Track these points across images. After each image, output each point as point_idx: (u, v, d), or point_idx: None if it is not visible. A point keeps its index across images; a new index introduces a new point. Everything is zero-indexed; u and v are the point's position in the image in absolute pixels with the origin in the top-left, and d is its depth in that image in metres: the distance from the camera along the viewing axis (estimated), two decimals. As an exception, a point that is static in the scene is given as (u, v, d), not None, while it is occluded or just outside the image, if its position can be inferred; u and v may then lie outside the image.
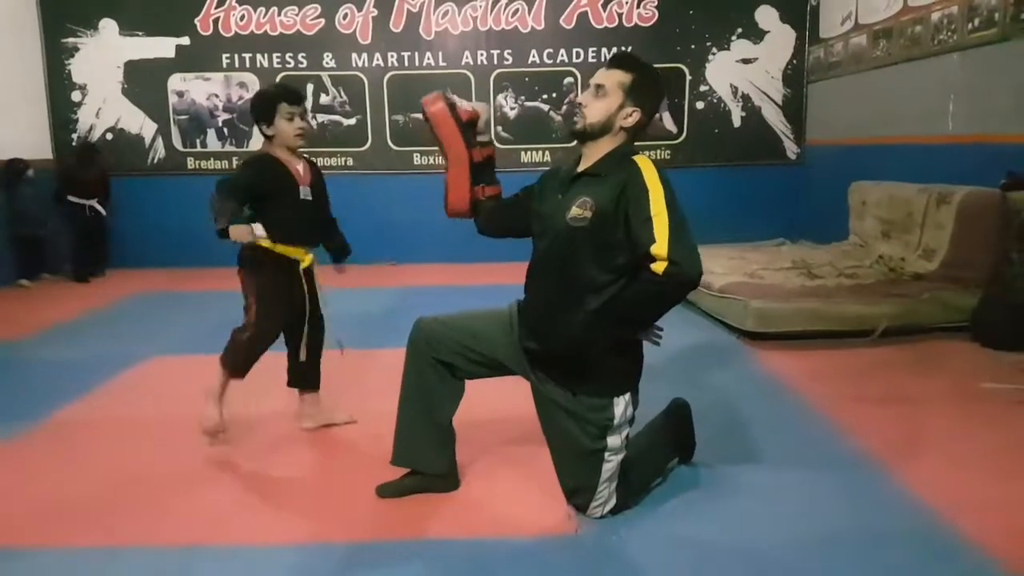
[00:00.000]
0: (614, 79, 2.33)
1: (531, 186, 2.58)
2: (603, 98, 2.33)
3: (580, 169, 2.38)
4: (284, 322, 3.10)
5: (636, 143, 2.42)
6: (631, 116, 2.33)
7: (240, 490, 2.69)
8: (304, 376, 3.25)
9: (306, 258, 3.09)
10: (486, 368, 2.51)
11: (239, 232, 2.87)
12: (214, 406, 3.01)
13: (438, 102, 2.56)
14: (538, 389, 2.42)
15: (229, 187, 2.93)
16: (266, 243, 2.98)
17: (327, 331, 3.20)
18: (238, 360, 3.01)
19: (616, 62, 2.37)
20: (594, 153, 2.37)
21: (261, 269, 3.03)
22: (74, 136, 7.54)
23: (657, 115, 7.47)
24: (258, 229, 2.98)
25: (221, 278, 6.45)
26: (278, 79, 7.46)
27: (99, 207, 7.17)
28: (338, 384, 3.48)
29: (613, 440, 2.34)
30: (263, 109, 3.03)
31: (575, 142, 2.43)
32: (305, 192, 3.09)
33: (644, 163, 2.26)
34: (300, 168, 3.11)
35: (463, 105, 2.59)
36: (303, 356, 3.18)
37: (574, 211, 2.27)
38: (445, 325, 2.50)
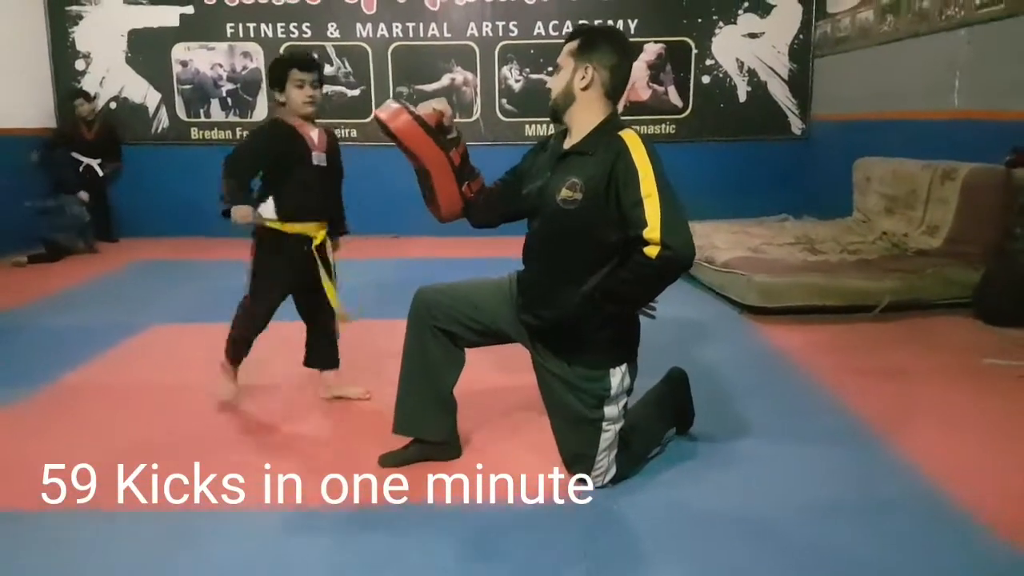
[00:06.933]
0: (565, 52, 2.38)
1: (517, 167, 2.58)
2: (559, 72, 2.38)
3: (567, 147, 2.38)
4: (295, 303, 3.13)
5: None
6: (585, 76, 2.32)
7: (245, 457, 2.72)
8: (319, 356, 3.24)
9: (318, 235, 3.05)
10: (487, 337, 2.53)
11: (241, 213, 2.87)
12: (227, 382, 3.12)
13: (401, 115, 2.39)
14: (537, 359, 2.45)
15: (235, 160, 2.92)
16: (274, 224, 2.97)
17: (337, 309, 3.16)
18: (228, 347, 3.10)
19: (566, 38, 2.41)
20: (578, 129, 2.37)
21: (266, 247, 3.02)
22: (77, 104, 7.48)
23: (662, 88, 7.51)
24: (265, 211, 2.96)
25: (224, 247, 6.49)
26: (282, 49, 7.41)
27: (97, 168, 7.10)
28: (346, 354, 3.48)
29: (610, 410, 2.36)
30: (275, 74, 3.00)
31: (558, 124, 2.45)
32: (319, 158, 3.04)
33: (631, 139, 2.24)
34: (314, 134, 3.05)
35: (423, 109, 2.43)
36: (318, 334, 3.20)
37: (564, 192, 2.27)
38: (445, 294, 2.51)
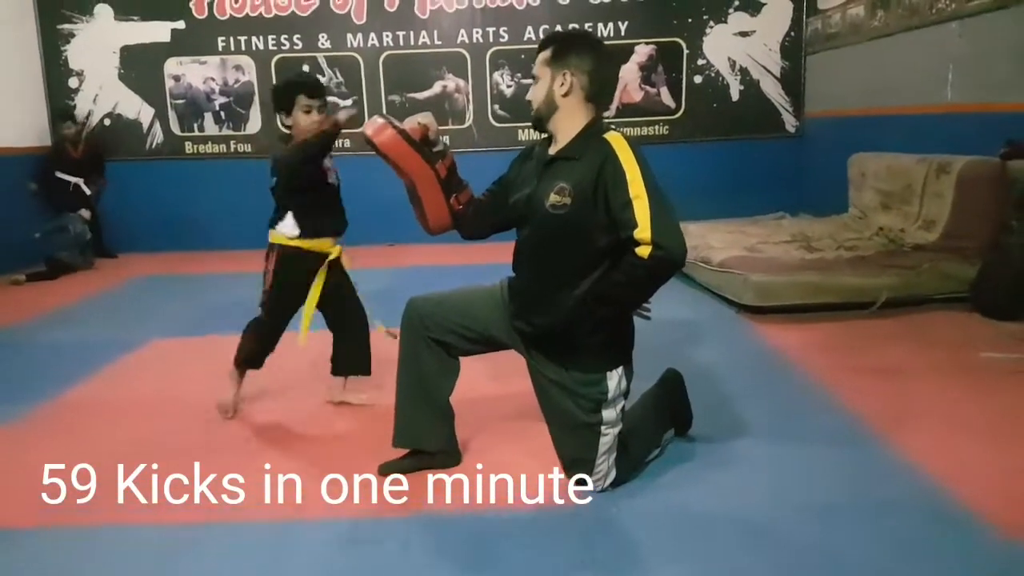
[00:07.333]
0: (540, 62, 2.39)
1: (503, 177, 2.59)
2: (537, 82, 2.39)
3: (553, 152, 2.38)
4: (323, 315, 3.15)
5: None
6: (564, 83, 2.33)
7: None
8: (350, 362, 3.23)
9: (334, 250, 3.08)
10: (481, 344, 2.54)
11: (344, 114, 2.97)
12: (231, 391, 3.14)
13: (386, 130, 2.41)
14: (533, 365, 2.45)
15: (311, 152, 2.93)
16: (295, 241, 3.00)
17: (368, 314, 3.21)
18: (238, 356, 3.12)
19: (538, 48, 2.42)
20: (563, 135, 2.37)
21: (287, 266, 3.03)
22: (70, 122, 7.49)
23: (654, 89, 7.52)
24: (286, 229, 2.99)
25: (221, 261, 6.51)
26: (274, 61, 7.45)
27: (84, 186, 7.09)
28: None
29: (608, 414, 2.36)
30: (281, 99, 3.01)
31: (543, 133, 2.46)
32: (333, 177, 3.09)
33: (617, 141, 2.25)
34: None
35: (408, 124, 2.46)
36: (347, 341, 3.20)
37: (552, 198, 2.28)
38: (438, 304, 2.52)
